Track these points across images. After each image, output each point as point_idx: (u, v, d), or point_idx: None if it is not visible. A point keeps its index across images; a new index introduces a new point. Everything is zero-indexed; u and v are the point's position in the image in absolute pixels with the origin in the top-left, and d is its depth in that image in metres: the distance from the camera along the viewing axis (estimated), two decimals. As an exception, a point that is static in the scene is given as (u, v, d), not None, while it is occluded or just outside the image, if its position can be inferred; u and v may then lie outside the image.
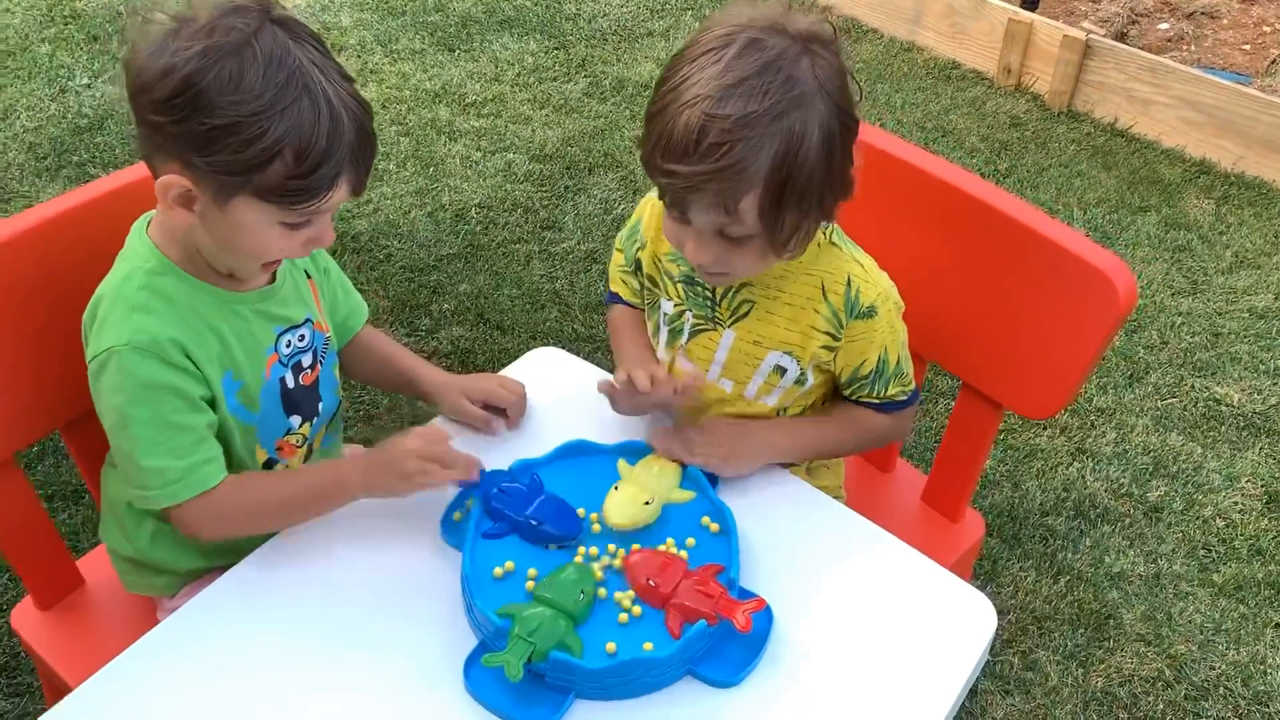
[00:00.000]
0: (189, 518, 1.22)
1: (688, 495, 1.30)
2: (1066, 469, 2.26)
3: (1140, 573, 2.08)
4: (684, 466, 1.32)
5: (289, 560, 1.24)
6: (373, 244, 2.68)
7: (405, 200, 2.82)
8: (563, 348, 1.58)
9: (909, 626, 1.21)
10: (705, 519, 1.28)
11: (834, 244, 1.33)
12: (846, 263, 1.33)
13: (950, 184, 1.46)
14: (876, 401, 1.40)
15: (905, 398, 1.41)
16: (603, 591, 1.19)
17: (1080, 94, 3.32)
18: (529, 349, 1.56)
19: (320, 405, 1.39)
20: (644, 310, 1.49)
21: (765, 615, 1.17)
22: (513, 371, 1.53)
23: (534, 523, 1.23)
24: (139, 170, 1.41)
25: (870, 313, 1.33)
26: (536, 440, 1.39)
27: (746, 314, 1.36)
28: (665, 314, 1.42)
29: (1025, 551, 2.11)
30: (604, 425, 1.41)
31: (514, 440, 1.40)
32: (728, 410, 1.42)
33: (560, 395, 1.48)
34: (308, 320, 1.34)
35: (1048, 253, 1.39)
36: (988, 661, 1.92)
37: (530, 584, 1.19)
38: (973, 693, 1.87)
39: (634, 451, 1.34)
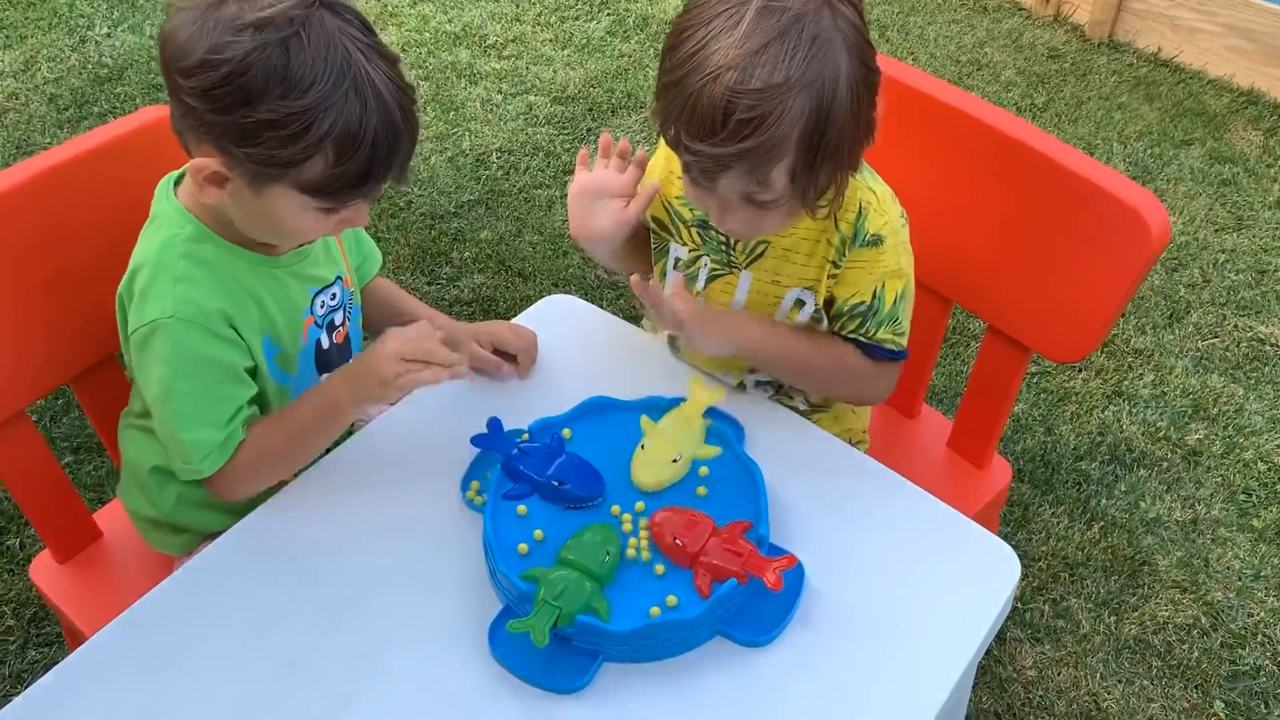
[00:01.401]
0: (220, 481, 1.23)
1: (713, 451, 1.26)
2: (1102, 412, 2.20)
3: (1177, 518, 2.03)
4: (709, 421, 1.28)
5: (305, 515, 1.23)
6: (392, 191, 2.65)
7: (425, 146, 2.78)
8: (585, 295, 1.55)
9: (933, 577, 1.18)
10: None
11: None
12: (860, 190, 1.27)
13: (976, 119, 1.39)
14: (863, 340, 1.32)
15: (895, 349, 1.32)
16: (633, 542, 1.16)
17: (1122, 23, 3.20)
18: (551, 294, 1.52)
19: (348, 357, 1.38)
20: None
21: (797, 572, 1.14)
22: (526, 319, 1.49)
23: (556, 484, 1.20)
24: (141, 116, 1.38)
25: (875, 241, 1.27)
26: (552, 392, 1.36)
27: (762, 254, 1.32)
28: (678, 259, 1.38)
29: (1058, 497, 2.06)
30: (621, 375, 1.38)
31: (531, 394, 1.37)
32: None
33: (575, 344, 1.45)
34: (338, 278, 1.32)
35: (1077, 189, 1.33)
36: (1017, 609, 1.88)
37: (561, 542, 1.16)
38: (1001, 640, 1.84)
39: (657, 408, 1.30)
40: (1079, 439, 2.16)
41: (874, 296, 1.29)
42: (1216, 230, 2.61)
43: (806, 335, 1.35)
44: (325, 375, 1.33)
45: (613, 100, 2.95)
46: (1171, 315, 2.41)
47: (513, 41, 3.16)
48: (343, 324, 1.35)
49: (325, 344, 1.32)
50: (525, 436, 1.27)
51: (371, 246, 1.45)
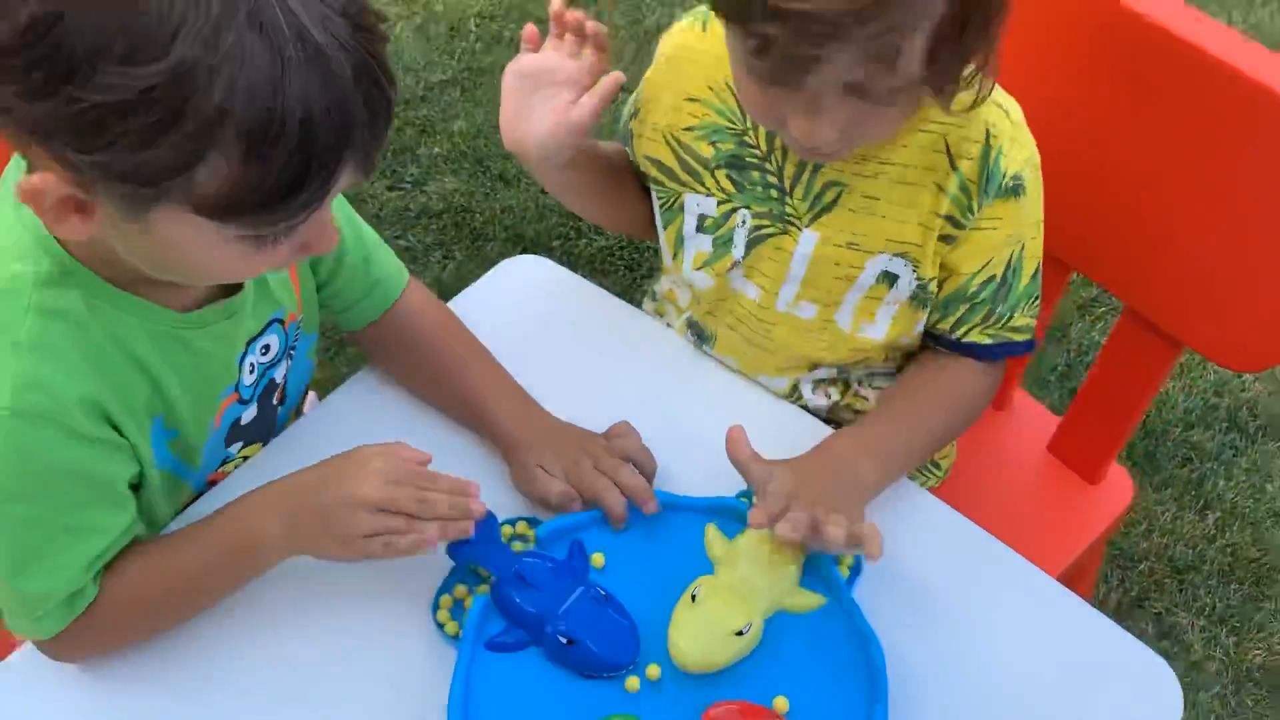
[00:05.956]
0: (62, 643, 0.83)
1: (813, 601, 0.86)
2: (1220, 365, 1.79)
3: (1315, 507, 1.65)
4: (808, 552, 0.87)
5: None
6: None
7: (388, 9, 2.30)
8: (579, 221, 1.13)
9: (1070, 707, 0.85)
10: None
11: None
12: (984, 108, 0.86)
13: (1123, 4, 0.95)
14: (988, 340, 0.95)
15: (1029, 339, 0.97)
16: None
17: None
18: (538, 206, 1.09)
19: (280, 412, 0.98)
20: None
21: None
22: (480, 290, 1.09)
23: (562, 640, 0.82)
24: None
25: (1016, 188, 0.89)
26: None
27: (834, 203, 0.91)
28: (700, 217, 0.97)
29: (1163, 478, 1.67)
30: (620, 384, 0.99)
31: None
32: (813, 344, 0.98)
33: (550, 334, 1.04)
34: (274, 320, 0.90)
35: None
36: (1112, 626, 1.52)
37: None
38: (1090, 665, 1.49)
39: (733, 514, 0.89)
40: (1189, 400, 1.76)
41: (1009, 266, 0.92)
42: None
43: (909, 406, 0.97)
44: (243, 485, 0.87)
45: (620, -49, 2.44)
46: (1306, 236, 1.96)
47: (498, -125, 2.62)
48: (283, 380, 0.94)
49: (249, 417, 0.92)
50: (526, 535, 0.88)
51: (387, 270, 0.98)
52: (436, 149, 2.07)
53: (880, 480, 0.90)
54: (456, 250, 1.92)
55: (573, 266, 1.10)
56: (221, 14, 0.61)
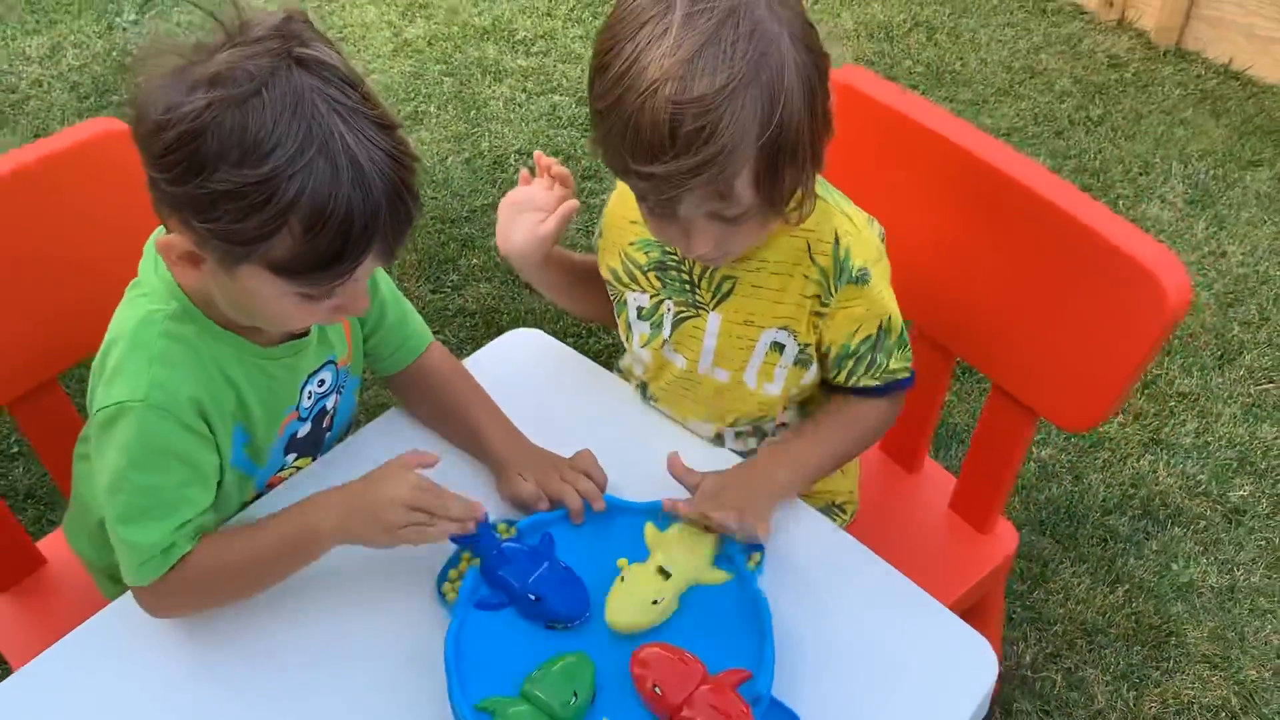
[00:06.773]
0: (152, 595, 1.10)
1: (721, 576, 1.12)
2: (1137, 462, 2.04)
3: (1212, 584, 1.87)
4: (721, 541, 1.14)
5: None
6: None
7: (443, 146, 2.69)
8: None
9: (903, 670, 1.08)
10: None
11: (817, 195, 1.14)
12: (833, 217, 1.16)
13: (977, 156, 1.26)
14: (876, 383, 1.22)
15: (909, 375, 1.25)
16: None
17: (1191, 30, 2.98)
18: (556, 310, 1.40)
19: (328, 437, 1.27)
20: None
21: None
22: (487, 355, 1.40)
23: (531, 597, 1.09)
24: (112, 123, 1.30)
25: (863, 278, 1.17)
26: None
27: (730, 292, 1.20)
28: (639, 308, 1.27)
29: (1081, 554, 1.90)
30: (586, 426, 1.26)
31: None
32: (728, 400, 1.26)
33: (540, 390, 1.34)
34: (329, 360, 1.20)
35: (1086, 242, 1.19)
36: (1027, 678, 1.74)
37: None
38: (1008, 712, 1.70)
39: (665, 514, 1.16)
40: (1109, 490, 2.00)
41: (880, 329, 1.20)
42: (1281, 262, 2.42)
43: (820, 430, 1.24)
44: (304, 491, 1.16)
45: (640, 102, 2.82)
46: (1222, 356, 2.22)
47: (542, 37, 3.05)
48: (333, 409, 1.24)
49: (304, 433, 1.22)
50: (511, 531, 1.15)
51: (416, 329, 1.30)
52: (475, 260, 2.41)
53: (792, 480, 1.18)
54: (485, 344, 2.23)
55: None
56: (303, 142, 0.93)
